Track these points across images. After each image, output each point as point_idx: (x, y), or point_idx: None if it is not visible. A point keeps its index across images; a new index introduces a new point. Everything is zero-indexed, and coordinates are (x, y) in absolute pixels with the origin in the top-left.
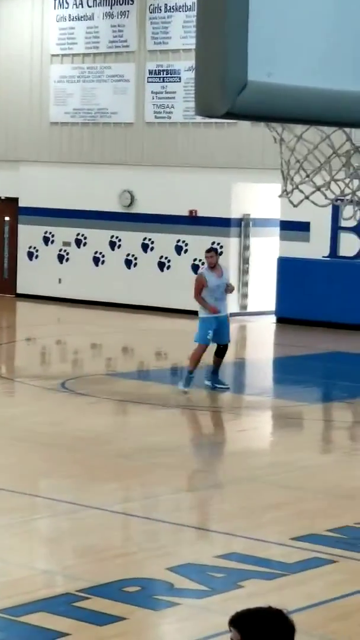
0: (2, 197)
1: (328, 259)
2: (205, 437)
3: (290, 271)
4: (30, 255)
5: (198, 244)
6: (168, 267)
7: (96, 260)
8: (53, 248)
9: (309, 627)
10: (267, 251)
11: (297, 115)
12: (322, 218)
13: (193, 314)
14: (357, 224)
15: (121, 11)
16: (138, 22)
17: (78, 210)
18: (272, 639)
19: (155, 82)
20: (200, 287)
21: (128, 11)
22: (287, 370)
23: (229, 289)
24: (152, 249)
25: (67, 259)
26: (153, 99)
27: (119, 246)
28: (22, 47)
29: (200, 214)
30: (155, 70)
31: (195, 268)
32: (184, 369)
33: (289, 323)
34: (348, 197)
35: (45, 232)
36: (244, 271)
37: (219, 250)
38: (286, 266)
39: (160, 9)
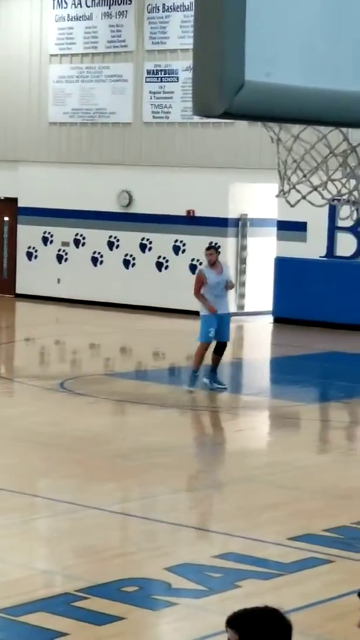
0: (1, 197)
1: (325, 259)
2: (203, 437)
3: (287, 271)
4: (29, 255)
5: (196, 243)
6: (166, 267)
7: (95, 260)
8: (52, 248)
9: (306, 627)
10: (264, 251)
11: (294, 115)
12: (319, 218)
13: (191, 313)
14: (354, 224)
15: (119, 11)
16: (136, 22)
17: (77, 210)
18: (271, 638)
19: (153, 82)
20: (199, 284)
21: (126, 11)
22: (284, 370)
23: (228, 285)
24: (150, 249)
25: (66, 259)
26: (151, 98)
27: (117, 246)
28: (20, 47)
29: (198, 213)
30: (153, 70)
31: (193, 268)
32: (181, 369)
33: (286, 323)
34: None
35: (44, 232)
36: (241, 271)
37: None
38: (283, 266)
39: (158, 9)
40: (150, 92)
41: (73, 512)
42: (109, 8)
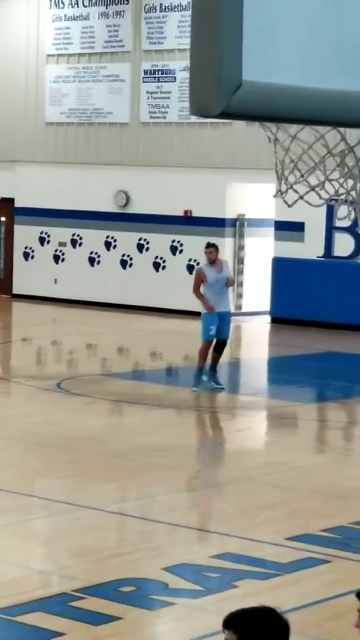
0: None
1: (322, 259)
2: (200, 437)
3: (284, 271)
4: (26, 255)
5: (193, 244)
6: (163, 267)
7: (92, 261)
8: (49, 248)
9: (303, 627)
10: (261, 251)
11: (292, 115)
12: (316, 218)
13: (188, 314)
14: (352, 224)
15: (116, 11)
16: (133, 22)
17: (73, 210)
18: (269, 638)
19: (150, 82)
20: (199, 282)
21: (123, 11)
22: (281, 370)
23: (228, 283)
24: (147, 249)
25: (63, 259)
26: (148, 99)
27: (115, 246)
28: (17, 47)
29: (195, 214)
30: (151, 70)
31: (190, 268)
32: (179, 369)
33: (283, 323)
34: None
35: (41, 233)
36: (238, 271)
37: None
38: (281, 266)
39: (155, 9)
40: (147, 92)
41: (70, 512)
42: (106, 8)
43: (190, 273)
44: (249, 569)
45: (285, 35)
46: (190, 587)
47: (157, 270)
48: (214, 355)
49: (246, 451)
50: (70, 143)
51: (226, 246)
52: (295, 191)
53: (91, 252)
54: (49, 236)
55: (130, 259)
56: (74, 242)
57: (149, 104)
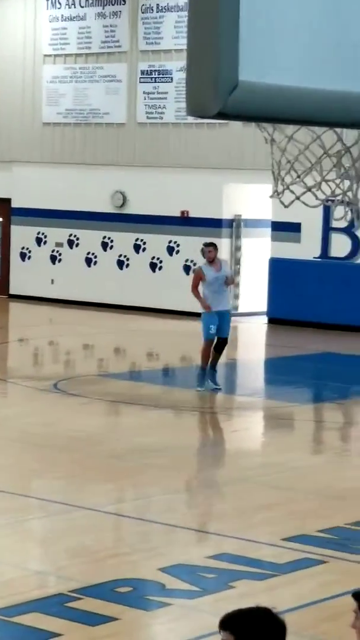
0: None
1: (319, 259)
2: (197, 438)
3: (281, 272)
4: (22, 256)
5: (190, 244)
6: (160, 268)
7: (88, 261)
8: (46, 249)
9: (300, 628)
10: (258, 252)
11: (288, 116)
12: (313, 219)
13: (185, 314)
14: (348, 225)
15: (113, 11)
16: (130, 22)
17: (70, 211)
18: (266, 639)
19: (147, 82)
20: (197, 280)
21: (120, 11)
22: (278, 370)
23: (228, 281)
24: (144, 249)
25: (60, 260)
26: (145, 99)
27: (111, 247)
28: (14, 48)
29: (192, 214)
30: (147, 70)
31: (187, 269)
32: (175, 369)
33: (280, 324)
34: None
35: (38, 233)
36: (235, 272)
37: None
38: (277, 267)
39: (152, 9)
40: (144, 92)
41: (67, 512)
42: (103, 8)
43: (187, 273)
44: (245, 569)
45: (282, 36)
46: (186, 588)
47: (153, 270)
48: (214, 354)
49: (243, 452)
50: (67, 143)
51: (223, 247)
52: (292, 192)
53: (88, 253)
54: (45, 236)
55: (127, 259)
56: (70, 243)
57: (145, 105)
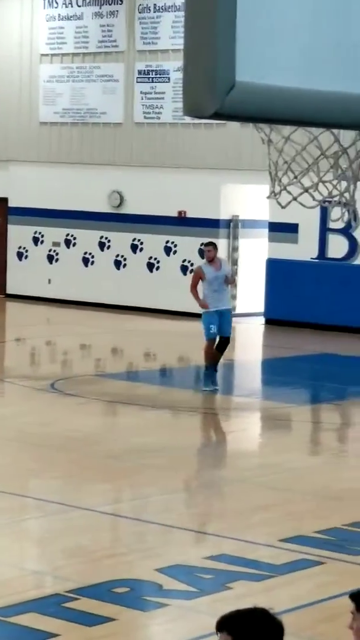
0: None
1: (316, 260)
2: (194, 438)
3: (278, 273)
4: (19, 255)
5: (187, 244)
6: (157, 268)
7: (85, 261)
8: (42, 248)
9: (297, 629)
10: (255, 252)
11: (285, 116)
12: (310, 220)
13: (182, 314)
14: (346, 226)
15: (110, 11)
16: (127, 22)
17: (67, 210)
18: (264, 639)
19: (144, 82)
20: (197, 279)
21: (117, 11)
22: (275, 371)
23: (228, 280)
24: (141, 249)
25: (57, 260)
26: (142, 99)
27: (109, 247)
28: (11, 47)
29: (189, 214)
30: (145, 70)
31: (184, 269)
32: (173, 370)
33: (277, 324)
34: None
35: (35, 233)
36: (232, 273)
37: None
38: (275, 268)
39: (149, 9)
40: (141, 92)
41: (64, 512)
42: (100, 8)
43: (184, 274)
44: (243, 570)
45: (279, 36)
46: (184, 589)
47: (151, 270)
48: (216, 353)
49: (240, 452)
50: (64, 143)
51: (220, 247)
52: (289, 192)
53: (85, 253)
54: (42, 236)
55: (124, 259)
56: (67, 242)
57: (142, 104)
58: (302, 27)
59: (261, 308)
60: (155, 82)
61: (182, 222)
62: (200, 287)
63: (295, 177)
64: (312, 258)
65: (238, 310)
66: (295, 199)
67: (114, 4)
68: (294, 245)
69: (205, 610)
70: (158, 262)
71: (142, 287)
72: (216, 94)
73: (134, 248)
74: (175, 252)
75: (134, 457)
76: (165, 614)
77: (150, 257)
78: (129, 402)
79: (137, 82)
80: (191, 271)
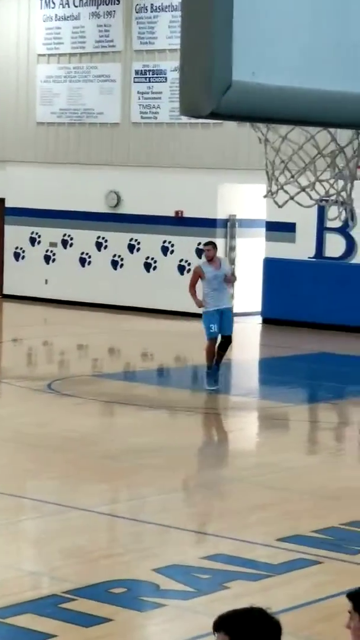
0: None
1: (314, 259)
2: (192, 438)
3: (276, 272)
4: (16, 255)
5: (184, 244)
6: (154, 268)
7: (82, 261)
8: (39, 249)
9: (295, 628)
10: (253, 252)
11: (282, 116)
12: (307, 219)
13: (179, 314)
14: (343, 225)
15: (107, 11)
16: (124, 22)
17: (64, 210)
18: (262, 639)
19: (141, 82)
20: (196, 278)
21: (114, 11)
22: (272, 371)
23: (227, 278)
24: (138, 249)
25: (54, 260)
26: (139, 99)
27: (105, 247)
28: (8, 47)
29: (186, 214)
30: (142, 70)
31: (181, 269)
32: (170, 370)
33: (274, 324)
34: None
35: (32, 233)
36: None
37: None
38: (272, 267)
39: (146, 9)
40: (138, 92)
41: (61, 513)
42: (97, 8)
43: (182, 274)
44: (240, 570)
45: (275, 36)
46: (181, 589)
47: (148, 270)
48: (218, 352)
49: (238, 452)
50: (61, 143)
51: (217, 247)
52: (286, 192)
53: (82, 253)
54: (39, 236)
55: (121, 259)
56: (64, 243)
57: (140, 104)
58: (298, 27)
59: (258, 307)
60: (153, 82)
61: (179, 222)
62: (200, 286)
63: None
64: (309, 257)
65: (235, 310)
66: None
67: (111, 4)
68: (291, 245)
69: (203, 610)
70: (155, 262)
71: (139, 287)
72: (213, 93)
73: (131, 248)
74: (172, 252)
75: (131, 457)
76: (163, 614)
77: (148, 257)
78: (126, 402)
79: (134, 82)
80: (188, 271)
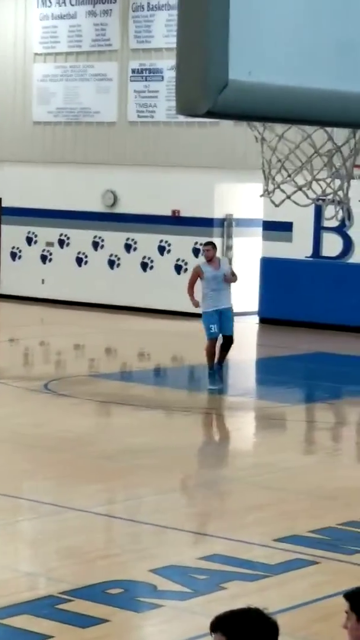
0: None
1: (311, 259)
2: (188, 438)
3: (273, 271)
4: (13, 255)
5: (181, 244)
6: (151, 268)
7: (79, 261)
8: (36, 248)
9: (292, 629)
10: (249, 251)
11: (279, 115)
12: (304, 218)
13: (176, 314)
14: (340, 224)
15: (104, 10)
16: (121, 20)
17: (61, 210)
18: (259, 639)
19: (138, 81)
20: (194, 278)
21: (111, 10)
22: (270, 371)
23: (227, 278)
24: (135, 249)
25: (50, 260)
26: (136, 98)
27: (102, 246)
28: (4, 46)
29: (183, 214)
30: (138, 69)
31: (178, 268)
32: (167, 369)
33: (271, 324)
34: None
35: (28, 233)
36: None
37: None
38: (269, 266)
39: (143, 8)
40: (135, 91)
41: (57, 513)
42: (94, 7)
43: (178, 273)
44: (237, 570)
45: (272, 35)
46: (178, 589)
47: (144, 270)
48: (220, 352)
49: (235, 452)
50: (57, 142)
51: None
52: (283, 191)
53: (79, 252)
54: (36, 236)
55: (118, 259)
56: (61, 242)
57: (136, 103)
58: (295, 26)
59: (255, 307)
60: (149, 80)
61: (176, 222)
62: (199, 286)
63: (289, 176)
64: (306, 256)
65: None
66: (289, 197)
67: (108, 2)
68: (288, 244)
69: (200, 610)
70: (152, 261)
71: (136, 287)
72: (209, 92)
73: (127, 247)
74: (169, 251)
75: (127, 457)
76: (160, 615)
77: (144, 257)
78: (122, 402)
79: (131, 81)
80: (185, 270)
